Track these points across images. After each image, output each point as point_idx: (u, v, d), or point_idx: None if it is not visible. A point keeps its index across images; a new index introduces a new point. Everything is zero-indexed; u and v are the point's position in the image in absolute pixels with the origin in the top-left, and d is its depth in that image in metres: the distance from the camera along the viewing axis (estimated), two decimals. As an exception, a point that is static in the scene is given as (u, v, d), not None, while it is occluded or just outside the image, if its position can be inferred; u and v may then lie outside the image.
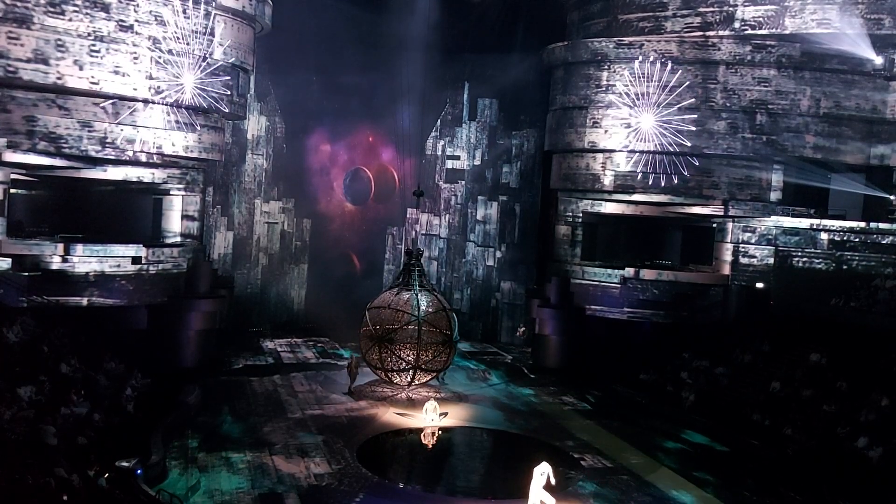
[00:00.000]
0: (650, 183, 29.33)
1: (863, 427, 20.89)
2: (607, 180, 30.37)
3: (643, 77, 28.42)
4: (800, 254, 29.33)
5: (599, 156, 30.47)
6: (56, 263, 24.22)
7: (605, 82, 29.98)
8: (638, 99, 28.61)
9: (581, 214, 32.40)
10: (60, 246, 24.40)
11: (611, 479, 19.69)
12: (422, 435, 22.85)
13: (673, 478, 20.01)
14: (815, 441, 21.38)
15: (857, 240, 28.60)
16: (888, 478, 18.36)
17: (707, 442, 23.24)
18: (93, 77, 23.05)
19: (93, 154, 23.93)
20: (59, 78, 22.62)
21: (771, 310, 28.89)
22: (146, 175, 26.06)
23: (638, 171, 29.39)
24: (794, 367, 25.53)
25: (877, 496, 17.67)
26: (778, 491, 19.25)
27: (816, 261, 29.09)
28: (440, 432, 23.06)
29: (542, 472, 16.22)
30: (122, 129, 24.13)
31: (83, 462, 16.09)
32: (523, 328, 35.47)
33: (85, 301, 24.67)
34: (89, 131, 23.68)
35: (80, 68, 22.86)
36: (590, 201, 32.11)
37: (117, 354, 23.63)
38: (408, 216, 38.20)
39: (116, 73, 23.38)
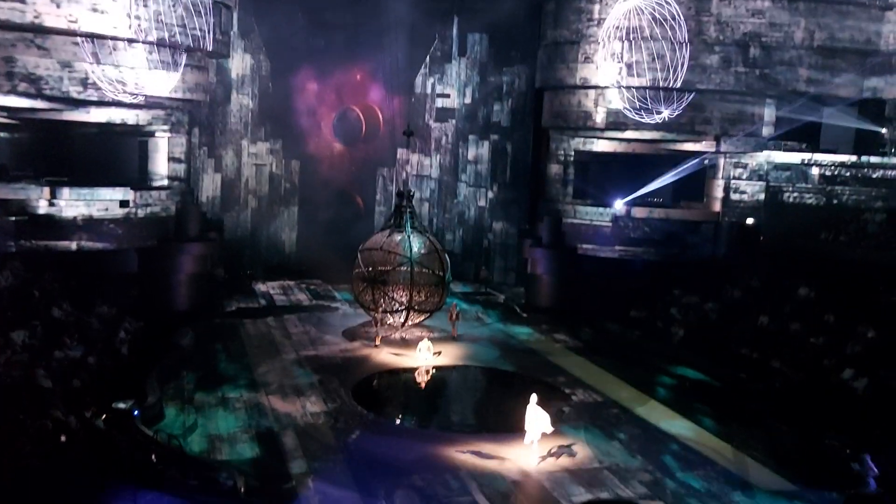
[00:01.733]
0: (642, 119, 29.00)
1: (849, 359, 21.24)
2: (599, 117, 30.04)
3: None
4: (791, 189, 29.35)
5: (591, 92, 30.04)
6: (43, 208, 23.97)
7: (597, 16, 29.34)
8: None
9: (573, 153, 32.14)
10: (46, 190, 24.12)
11: (601, 413, 20.08)
12: (416, 374, 23.12)
13: (661, 410, 20.40)
14: (802, 373, 21.75)
15: (847, 174, 28.63)
16: (872, 408, 18.75)
17: (695, 376, 23.61)
18: (70, 15, 22.34)
19: (74, 95, 23.39)
20: (36, 17, 21.91)
21: (761, 245, 29.03)
22: (130, 117, 25.59)
23: (630, 107, 29.03)
24: (783, 301, 25.81)
25: (861, 426, 18.05)
26: (765, 422, 19.65)
27: (807, 196, 29.15)
28: (434, 371, 23.32)
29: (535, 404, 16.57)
30: (103, 70, 23.53)
31: (79, 404, 16.23)
32: (484, 269, 35.93)
33: (74, 245, 24.52)
34: (70, 72, 23.10)
35: (58, 6, 22.12)
36: (582, 139, 31.83)
37: (109, 298, 23.64)
38: (398, 157, 37.80)
39: (95, 10, 22.65)
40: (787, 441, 18.55)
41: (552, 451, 17.04)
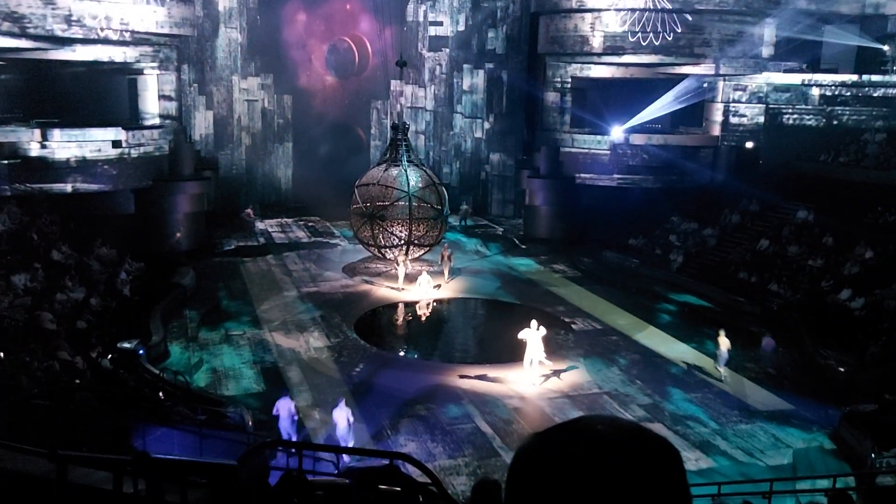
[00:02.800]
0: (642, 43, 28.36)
1: (846, 280, 21.40)
2: (596, 42, 29.40)
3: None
4: (790, 110, 28.96)
5: (588, 16, 29.32)
6: (35, 150, 23.68)
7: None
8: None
9: (570, 79, 31.59)
10: (37, 132, 23.79)
11: (601, 340, 20.34)
12: (417, 307, 23.31)
13: (659, 335, 20.67)
14: (799, 295, 21.94)
15: (848, 94, 28.16)
16: (867, 326, 18.97)
17: (693, 301, 23.81)
18: (48, -51, 21.62)
19: (59, 33, 22.86)
20: (13, -49, 21.21)
21: (760, 169, 28.86)
22: (117, 54, 25.03)
23: (628, 31, 28.38)
24: (782, 225, 25.85)
25: (856, 343, 18.30)
26: (762, 344, 19.90)
27: (807, 117, 28.78)
28: (435, 304, 23.51)
29: (535, 329, 16.85)
30: (86, 6, 22.90)
31: (85, 345, 16.40)
32: (466, 206, 34.51)
33: (69, 187, 24.34)
34: (53, 9, 22.49)
35: (34, -60, 21.40)
36: (578, 65, 31.23)
37: (108, 240, 23.65)
38: (392, 89, 37.15)
39: (73, -57, 21.91)
40: (785, 362, 18.88)
41: (552, 376, 17.34)
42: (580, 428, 1.06)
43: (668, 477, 1.03)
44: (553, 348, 18.50)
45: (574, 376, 17.70)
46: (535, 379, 17.05)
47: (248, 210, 32.45)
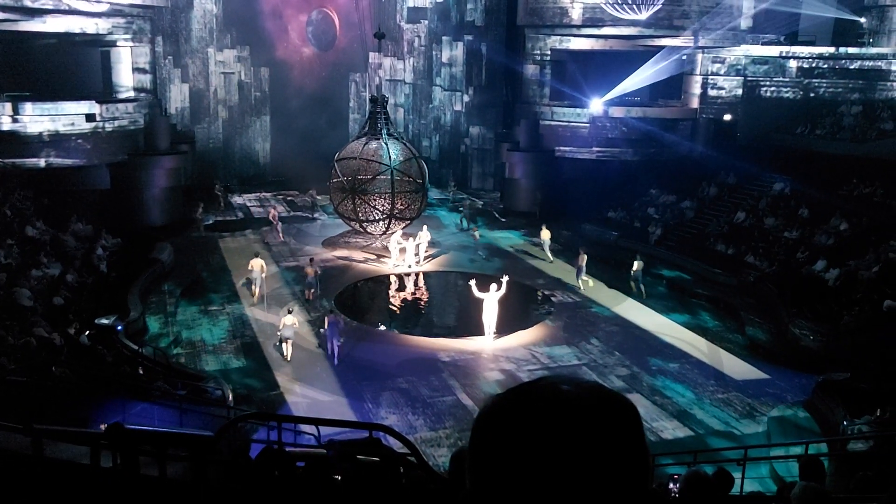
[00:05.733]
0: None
1: (821, 251, 21.67)
2: (575, 13, 29.22)
3: None
4: (768, 83, 29.03)
5: (567, -13, 29.09)
6: (6, 124, 23.18)
7: None
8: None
9: (549, 52, 31.40)
10: (8, 105, 23.28)
11: (580, 312, 20.50)
12: (398, 281, 23.30)
13: (638, 307, 20.86)
14: (775, 266, 22.22)
15: (825, 66, 28.26)
16: (841, 297, 19.27)
17: (670, 273, 24.01)
18: (15, -84, 21.02)
19: (28, 3, 22.33)
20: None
21: (738, 141, 28.99)
22: (89, 25, 24.51)
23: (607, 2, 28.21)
24: (759, 197, 26.08)
25: (830, 314, 18.60)
26: (738, 315, 20.20)
27: (784, 89, 28.87)
28: (416, 278, 23.50)
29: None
30: (55, -25, 22.37)
31: (62, 321, 16.25)
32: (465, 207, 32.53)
33: (42, 162, 23.90)
34: (20, -22, 21.95)
35: None
36: (558, 37, 31.05)
37: (83, 215, 23.34)
38: (370, 61, 36.73)
39: None
40: (760, 332, 19.15)
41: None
42: (543, 388, 1.07)
43: (631, 433, 1.05)
44: (533, 320, 18.65)
45: (553, 348, 17.86)
46: (489, 337, 17.87)
47: (313, 191, 31.43)
